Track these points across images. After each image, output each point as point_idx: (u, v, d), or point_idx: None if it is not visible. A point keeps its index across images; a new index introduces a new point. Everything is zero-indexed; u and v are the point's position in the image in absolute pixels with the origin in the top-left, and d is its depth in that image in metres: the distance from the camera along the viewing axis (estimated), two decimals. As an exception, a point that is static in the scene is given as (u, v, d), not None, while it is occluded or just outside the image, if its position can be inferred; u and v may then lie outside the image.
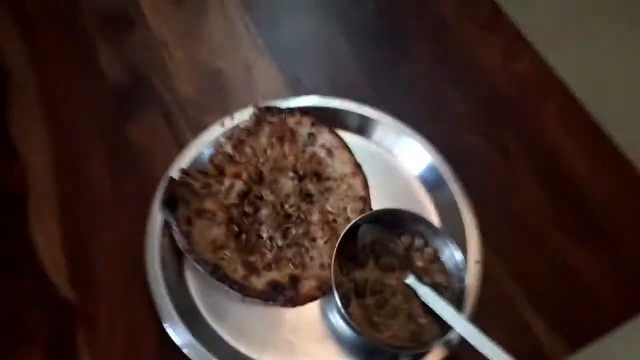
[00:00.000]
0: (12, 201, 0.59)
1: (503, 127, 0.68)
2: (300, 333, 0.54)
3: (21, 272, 0.56)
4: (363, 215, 0.55)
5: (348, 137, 0.64)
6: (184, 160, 0.60)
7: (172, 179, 0.57)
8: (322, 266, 0.56)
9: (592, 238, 0.61)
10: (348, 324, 0.51)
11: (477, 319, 0.51)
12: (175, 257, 0.56)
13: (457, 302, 0.52)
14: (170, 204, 0.56)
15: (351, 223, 0.54)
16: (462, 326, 0.50)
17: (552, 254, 0.60)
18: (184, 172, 0.58)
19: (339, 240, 0.53)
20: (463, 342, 0.50)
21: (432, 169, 0.62)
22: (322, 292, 0.55)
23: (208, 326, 0.53)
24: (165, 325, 0.52)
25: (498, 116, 0.69)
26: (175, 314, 0.52)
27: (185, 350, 0.50)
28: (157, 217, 0.57)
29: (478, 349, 0.48)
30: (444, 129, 0.66)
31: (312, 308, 0.55)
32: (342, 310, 0.50)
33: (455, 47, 0.75)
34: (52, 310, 0.53)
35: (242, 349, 0.53)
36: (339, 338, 0.54)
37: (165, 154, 0.62)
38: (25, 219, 0.58)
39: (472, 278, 0.56)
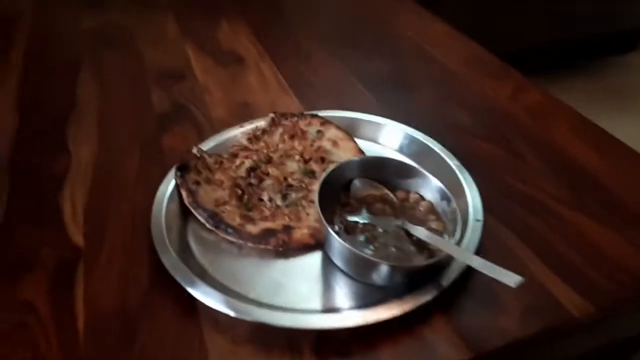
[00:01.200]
0: (53, 179, 0.66)
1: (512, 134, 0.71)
2: (290, 276, 0.52)
3: (44, 224, 0.60)
4: (352, 159, 0.58)
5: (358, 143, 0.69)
6: (203, 148, 0.67)
7: (189, 151, 0.63)
8: (317, 221, 0.56)
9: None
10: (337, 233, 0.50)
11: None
12: (181, 222, 0.59)
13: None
14: (182, 168, 0.61)
15: (338, 163, 0.56)
16: (462, 254, 0.47)
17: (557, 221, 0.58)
18: (201, 149, 0.65)
19: (324, 175, 0.55)
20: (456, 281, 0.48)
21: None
22: (314, 239, 0.54)
23: (203, 269, 0.53)
24: (162, 257, 0.52)
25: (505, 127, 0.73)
26: (172, 253, 0.53)
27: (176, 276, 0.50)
28: (168, 188, 0.61)
29: (487, 273, 0.45)
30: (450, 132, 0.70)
31: (304, 258, 0.54)
32: (326, 225, 0.49)
33: (462, 89, 0.83)
34: (62, 251, 0.56)
35: (234, 286, 0.51)
36: (330, 280, 0.52)
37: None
38: (59, 189, 0.64)
39: (473, 234, 0.53)
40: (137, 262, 0.55)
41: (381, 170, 0.57)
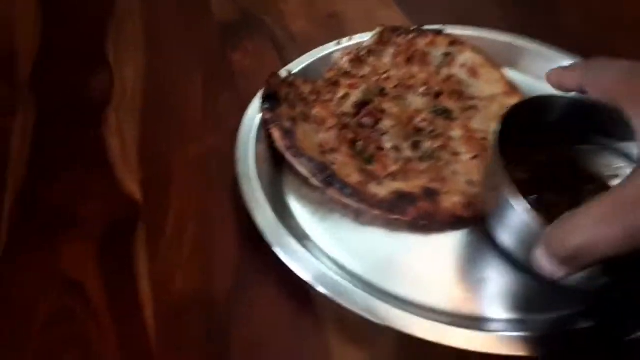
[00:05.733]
0: (91, 106, 0.50)
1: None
2: (436, 263, 0.37)
3: (85, 167, 0.45)
4: (551, 95, 0.36)
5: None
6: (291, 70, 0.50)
7: (275, 74, 0.46)
8: (470, 183, 0.40)
9: None
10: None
11: None
12: (272, 173, 0.43)
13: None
14: (271, 98, 0.44)
15: (528, 99, 0.36)
16: None
17: None
18: (290, 73, 0.47)
19: (505, 114, 0.34)
20: None
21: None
22: (470, 212, 0.38)
23: (316, 246, 0.38)
24: (258, 221, 0.36)
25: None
26: (272, 216, 0.37)
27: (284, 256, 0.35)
28: (250, 123, 0.45)
29: None
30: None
31: (452, 237, 0.38)
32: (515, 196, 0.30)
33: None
34: (113, 206, 0.41)
35: (358, 269, 0.36)
36: (500, 274, 0.36)
37: (268, 74, 0.52)
38: (101, 119, 0.49)
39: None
40: (220, 225, 0.40)
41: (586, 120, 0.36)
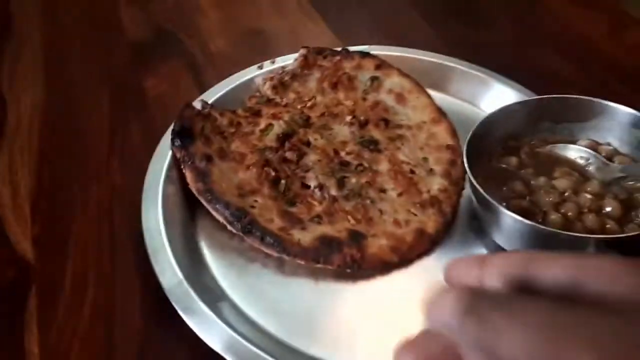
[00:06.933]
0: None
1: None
2: (368, 315, 0.34)
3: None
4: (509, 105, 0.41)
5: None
6: (208, 99, 0.46)
7: (189, 105, 0.42)
8: (397, 223, 0.38)
9: None
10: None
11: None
12: (185, 217, 0.39)
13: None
14: (183, 134, 0.40)
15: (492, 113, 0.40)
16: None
17: None
18: (206, 104, 0.43)
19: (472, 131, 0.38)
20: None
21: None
22: (398, 255, 0.36)
23: (231, 302, 0.34)
24: (166, 289, 0.32)
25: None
26: (178, 274, 0.33)
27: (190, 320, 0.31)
28: (161, 162, 0.40)
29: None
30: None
31: (383, 282, 0.36)
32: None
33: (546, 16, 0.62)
34: (2, 267, 0.36)
35: (277, 330, 0.33)
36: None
37: (183, 102, 0.47)
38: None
39: None
40: (123, 288, 0.35)
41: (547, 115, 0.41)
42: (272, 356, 0.30)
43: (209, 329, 0.30)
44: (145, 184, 0.38)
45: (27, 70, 0.51)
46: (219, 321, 0.31)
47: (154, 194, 0.38)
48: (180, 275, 0.33)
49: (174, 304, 0.31)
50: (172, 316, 0.31)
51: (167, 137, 0.41)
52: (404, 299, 0.35)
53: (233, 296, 0.34)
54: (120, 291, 0.34)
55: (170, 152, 0.40)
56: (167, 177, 0.39)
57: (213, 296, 0.33)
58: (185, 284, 0.32)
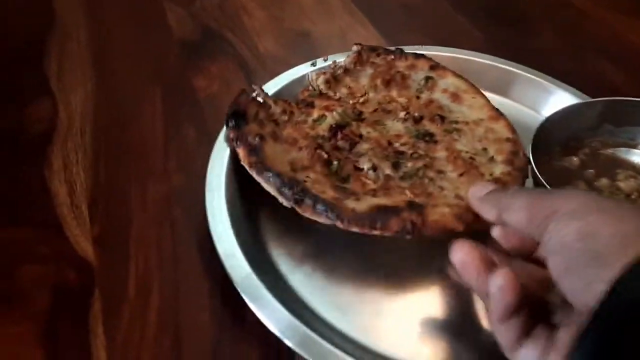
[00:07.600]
0: (31, 141, 0.44)
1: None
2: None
3: (26, 221, 0.38)
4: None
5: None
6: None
7: (244, 92, 0.41)
8: (459, 197, 0.36)
9: None
10: None
11: None
12: (246, 213, 0.38)
13: None
14: (237, 117, 0.39)
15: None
16: None
17: None
18: (261, 90, 0.43)
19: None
20: None
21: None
22: (464, 223, 0.33)
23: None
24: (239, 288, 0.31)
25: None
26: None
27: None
28: (220, 161, 0.39)
29: None
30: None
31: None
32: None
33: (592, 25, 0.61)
34: (62, 268, 0.35)
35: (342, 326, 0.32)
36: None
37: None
38: (43, 159, 0.42)
39: None
40: (188, 290, 0.34)
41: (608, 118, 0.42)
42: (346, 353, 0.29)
43: (285, 327, 0.29)
44: (207, 183, 0.37)
45: (75, 66, 0.51)
46: (295, 319, 0.30)
47: (217, 189, 0.37)
48: (250, 270, 0.32)
49: (248, 302, 0.30)
50: (243, 317, 0.30)
51: (222, 138, 0.40)
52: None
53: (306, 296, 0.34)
54: (185, 294, 0.33)
55: (228, 151, 0.40)
56: (227, 176, 0.38)
57: (284, 293, 0.32)
58: (254, 275, 0.31)
